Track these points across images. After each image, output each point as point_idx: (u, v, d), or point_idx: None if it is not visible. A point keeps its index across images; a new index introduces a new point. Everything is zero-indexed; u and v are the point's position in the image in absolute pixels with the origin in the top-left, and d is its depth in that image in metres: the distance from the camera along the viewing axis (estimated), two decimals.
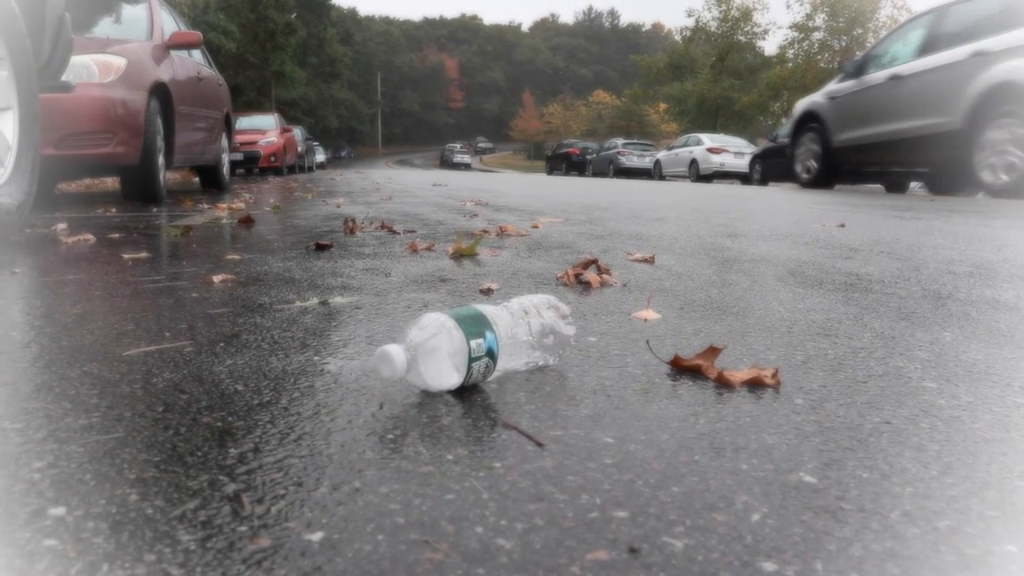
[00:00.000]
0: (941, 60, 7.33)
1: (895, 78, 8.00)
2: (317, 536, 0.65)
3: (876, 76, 8.41)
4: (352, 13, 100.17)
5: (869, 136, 8.36)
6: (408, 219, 4.10)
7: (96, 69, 4.91)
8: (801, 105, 10.12)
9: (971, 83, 6.78)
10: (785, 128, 13.57)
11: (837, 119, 8.97)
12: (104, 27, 6.28)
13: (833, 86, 9.36)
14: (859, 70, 8.85)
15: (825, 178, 9.43)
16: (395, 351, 1.01)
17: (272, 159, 17.86)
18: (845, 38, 39.00)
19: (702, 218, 4.33)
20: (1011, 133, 6.49)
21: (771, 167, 15.31)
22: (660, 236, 3.28)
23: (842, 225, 3.87)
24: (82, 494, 0.72)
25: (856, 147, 8.66)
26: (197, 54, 7.36)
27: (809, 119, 9.64)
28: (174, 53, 6.28)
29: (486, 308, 1.12)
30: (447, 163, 61.17)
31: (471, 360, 1.04)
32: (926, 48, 7.77)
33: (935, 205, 5.87)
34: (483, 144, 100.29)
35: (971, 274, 2.26)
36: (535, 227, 3.63)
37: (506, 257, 2.55)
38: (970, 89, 6.79)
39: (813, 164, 9.53)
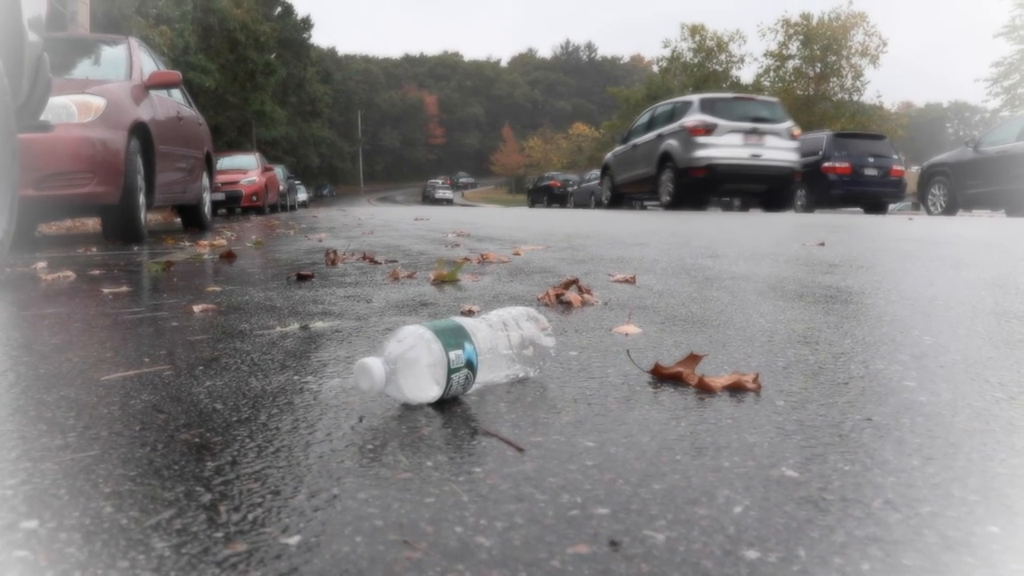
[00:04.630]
0: (648, 137, 13.52)
1: (635, 145, 14.10)
2: (294, 540, 0.64)
3: (630, 144, 14.44)
4: (331, 52, 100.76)
5: (627, 178, 14.60)
6: (390, 250, 4.10)
7: (75, 109, 4.89)
8: (605, 159, 16.41)
9: (657, 150, 12.86)
10: None
11: (616, 168, 15.25)
12: (83, 68, 6.27)
13: (616, 148, 15.56)
14: (626, 139, 14.94)
15: (615, 203, 15.62)
16: (373, 363, 1.00)
17: (254, 198, 17.81)
18: (820, 65, 39.55)
19: (682, 241, 4.35)
20: (669, 176, 12.49)
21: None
22: (641, 259, 3.29)
23: (822, 244, 3.90)
24: (55, 508, 0.71)
25: (624, 184, 14.87)
26: (177, 94, 7.36)
27: (607, 167, 16.00)
28: (154, 93, 6.27)
29: (465, 320, 1.12)
30: (429, 199, 61.23)
31: (450, 371, 1.04)
32: (647, 129, 13.85)
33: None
34: (464, 179, 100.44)
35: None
36: (516, 254, 3.63)
37: (487, 282, 2.55)
38: (656, 153, 12.87)
39: (609, 194, 15.89)
